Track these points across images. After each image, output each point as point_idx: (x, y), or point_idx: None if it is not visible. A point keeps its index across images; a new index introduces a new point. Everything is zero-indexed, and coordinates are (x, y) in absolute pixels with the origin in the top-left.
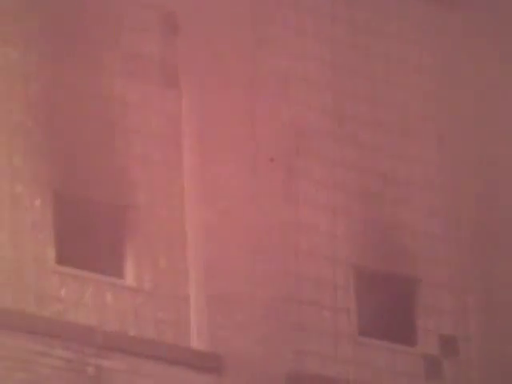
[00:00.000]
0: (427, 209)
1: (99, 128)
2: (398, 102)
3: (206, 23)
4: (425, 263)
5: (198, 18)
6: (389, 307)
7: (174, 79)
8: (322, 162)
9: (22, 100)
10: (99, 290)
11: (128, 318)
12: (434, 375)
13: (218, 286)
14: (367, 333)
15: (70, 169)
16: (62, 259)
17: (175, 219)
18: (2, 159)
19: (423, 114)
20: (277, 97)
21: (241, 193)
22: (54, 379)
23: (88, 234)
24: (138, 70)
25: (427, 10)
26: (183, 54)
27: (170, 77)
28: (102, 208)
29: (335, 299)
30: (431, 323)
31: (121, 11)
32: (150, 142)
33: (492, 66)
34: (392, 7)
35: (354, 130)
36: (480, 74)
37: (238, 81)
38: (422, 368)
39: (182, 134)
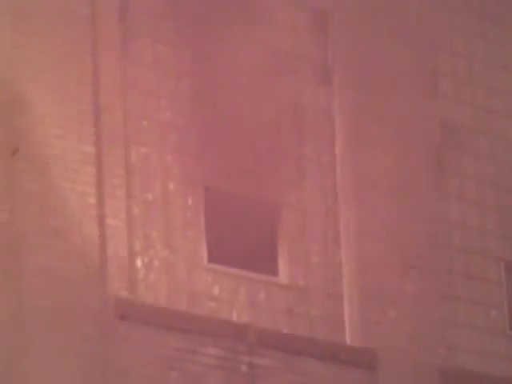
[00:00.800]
0: None
1: (251, 125)
2: None
3: (358, 21)
4: None
5: (350, 16)
6: None
7: (326, 77)
8: (471, 156)
9: (173, 97)
10: (252, 288)
11: (281, 315)
12: None
13: (370, 281)
14: None
15: (221, 166)
16: (214, 257)
17: (328, 215)
18: (154, 158)
19: None
20: (426, 93)
21: (393, 188)
22: (207, 377)
23: (240, 231)
24: (290, 68)
25: None
26: (336, 51)
27: (322, 75)
28: (254, 205)
29: (486, 294)
30: None
31: (273, 10)
32: (302, 139)
33: None
34: None
35: (504, 125)
36: None
37: (388, 77)
38: None
39: (334, 131)
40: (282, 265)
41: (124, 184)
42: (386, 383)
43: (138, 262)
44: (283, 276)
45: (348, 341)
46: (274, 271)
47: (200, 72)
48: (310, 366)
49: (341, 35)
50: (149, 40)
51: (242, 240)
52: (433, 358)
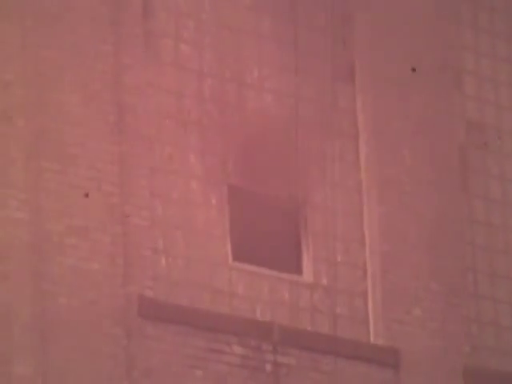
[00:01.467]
0: None
1: (274, 123)
2: None
3: (382, 19)
4: None
5: (374, 15)
6: None
7: (350, 76)
8: (495, 155)
9: (196, 97)
10: (276, 287)
11: (305, 314)
12: None
13: (394, 280)
14: None
15: (245, 165)
16: (238, 256)
17: (352, 214)
18: (177, 157)
19: None
20: (450, 92)
21: (417, 187)
22: (231, 376)
23: (264, 230)
24: (313, 66)
25: None
26: (358, 49)
27: (346, 73)
28: (278, 204)
29: (511, 293)
30: None
31: (296, 9)
32: (325, 137)
33: None
34: None
35: None
36: None
37: (412, 76)
38: None
39: (357, 129)
40: (307, 263)
41: (148, 183)
42: (410, 382)
43: (162, 261)
44: (307, 275)
45: (372, 339)
46: (298, 270)
47: (223, 71)
48: (333, 365)
49: (364, 34)
50: (171, 39)
51: (266, 239)
52: (457, 356)
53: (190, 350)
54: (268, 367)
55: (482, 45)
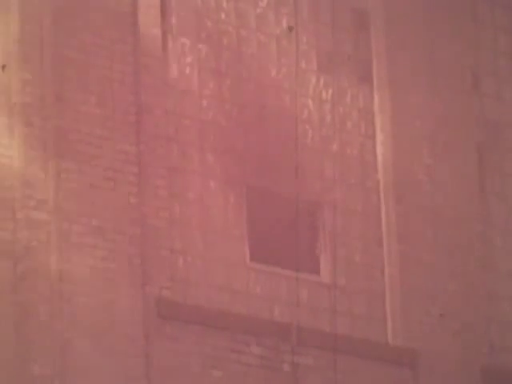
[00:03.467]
0: None
1: (293, 123)
2: None
3: (399, 19)
4: None
5: (391, 15)
6: None
7: (367, 75)
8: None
9: (214, 97)
10: (294, 287)
11: (323, 314)
12: None
13: (412, 280)
14: None
15: (263, 165)
16: (256, 256)
17: (370, 214)
18: (195, 157)
19: None
20: (467, 91)
21: (434, 187)
22: (249, 376)
23: (282, 230)
24: (330, 66)
25: None
26: (376, 49)
27: (363, 72)
28: (296, 204)
29: None
30: None
31: (315, 10)
32: (344, 138)
33: None
34: None
35: None
36: None
37: (429, 75)
38: None
39: (375, 129)
40: (324, 264)
41: (166, 183)
42: (428, 382)
43: (180, 262)
44: (325, 275)
45: (390, 340)
46: (315, 270)
47: (241, 71)
48: (351, 365)
49: (382, 34)
50: (190, 39)
51: (283, 239)
52: (476, 357)
53: (208, 351)
54: (286, 367)
55: (499, 44)
